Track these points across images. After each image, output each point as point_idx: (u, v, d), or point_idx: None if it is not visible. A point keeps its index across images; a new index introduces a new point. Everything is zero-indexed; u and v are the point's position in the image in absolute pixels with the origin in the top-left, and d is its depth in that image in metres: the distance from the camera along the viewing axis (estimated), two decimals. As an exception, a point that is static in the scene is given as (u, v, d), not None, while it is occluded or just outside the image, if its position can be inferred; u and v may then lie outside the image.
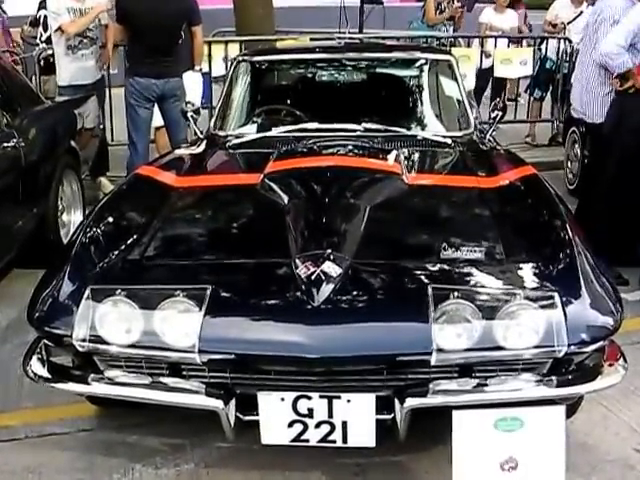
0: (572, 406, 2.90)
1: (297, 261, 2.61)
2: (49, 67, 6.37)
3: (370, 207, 3.01)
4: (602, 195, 4.66)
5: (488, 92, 8.66)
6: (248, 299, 2.56)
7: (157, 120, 6.31)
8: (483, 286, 2.54)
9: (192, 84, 6.37)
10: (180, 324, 2.44)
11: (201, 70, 6.52)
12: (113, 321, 2.49)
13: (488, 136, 4.25)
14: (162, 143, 6.53)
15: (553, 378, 2.48)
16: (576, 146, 6.56)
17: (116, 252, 2.82)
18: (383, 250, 2.78)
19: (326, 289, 2.48)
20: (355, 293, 2.52)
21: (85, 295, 2.56)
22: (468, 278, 2.59)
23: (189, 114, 4.43)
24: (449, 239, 2.80)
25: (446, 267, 2.65)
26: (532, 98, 8.41)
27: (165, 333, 2.45)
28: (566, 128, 7.00)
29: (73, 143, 5.03)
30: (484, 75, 8.33)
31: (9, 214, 4.14)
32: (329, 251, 2.62)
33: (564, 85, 7.85)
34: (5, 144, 4.13)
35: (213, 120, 4.29)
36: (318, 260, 2.58)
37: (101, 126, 5.92)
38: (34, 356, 2.71)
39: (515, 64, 8.03)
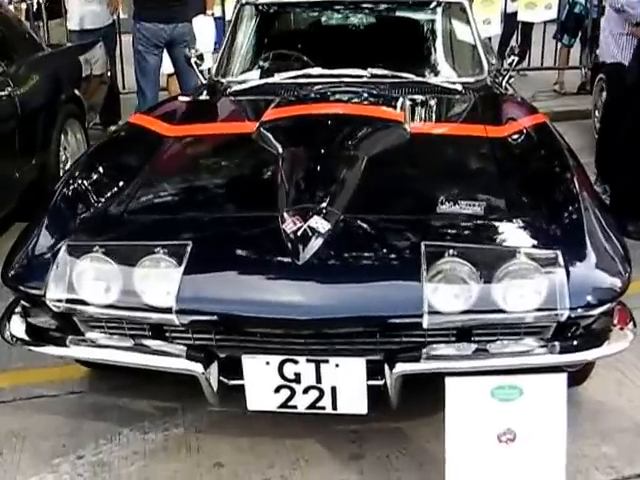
0: (584, 372, 2.73)
1: (285, 215, 2.44)
2: (57, 11, 6.20)
3: (367, 158, 2.82)
4: (621, 146, 4.41)
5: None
6: (230, 256, 2.40)
7: (168, 67, 6.13)
8: (481, 243, 2.34)
9: (203, 29, 6.17)
10: (159, 283, 2.30)
11: (213, 14, 6.31)
12: (90, 279, 2.35)
13: (504, 83, 4.02)
14: (174, 90, 6.36)
15: (556, 343, 2.29)
16: (604, 94, 6.26)
17: (97, 205, 2.68)
18: (377, 204, 2.59)
19: (312, 246, 2.32)
20: (343, 250, 2.35)
21: (61, 251, 2.42)
22: (465, 235, 2.40)
23: (192, 60, 4.24)
24: (448, 192, 2.59)
25: (443, 222, 2.46)
26: (560, 44, 8.07)
27: (144, 292, 2.30)
28: (594, 75, 6.69)
29: (77, 91, 4.87)
30: (510, 20, 8.01)
31: (5, 164, 4.01)
32: (319, 205, 2.45)
33: (593, 31, 7.49)
34: (-1, 93, 3.98)
35: (215, 66, 4.11)
36: (306, 214, 2.41)
37: (109, 73, 5.73)
38: (13, 316, 2.59)
39: (540, 8, 7.70)
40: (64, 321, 2.52)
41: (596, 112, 6.49)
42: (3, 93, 4.03)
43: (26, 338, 2.53)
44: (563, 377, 2.20)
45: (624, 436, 2.68)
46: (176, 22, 5.71)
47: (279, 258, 2.33)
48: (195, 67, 4.22)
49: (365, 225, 2.45)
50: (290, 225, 2.38)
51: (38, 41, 4.97)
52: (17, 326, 2.56)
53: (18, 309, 2.60)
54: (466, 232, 2.41)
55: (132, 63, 6.14)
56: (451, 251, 2.25)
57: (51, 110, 4.48)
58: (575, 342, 2.33)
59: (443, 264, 2.24)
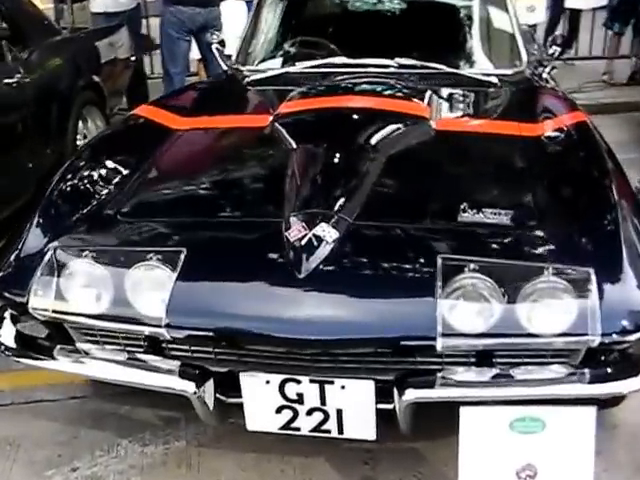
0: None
1: (290, 220, 2.24)
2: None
3: (386, 157, 2.61)
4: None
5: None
6: (226, 266, 2.20)
7: (197, 52, 5.97)
8: (506, 258, 2.11)
9: (234, 13, 5.98)
10: (149, 293, 2.13)
11: (244, -3, 6.11)
12: (78, 287, 2.19)
13: (545, 74, 3.76)
14: (204, 76, 6.19)
15: (586, 371, 2.06)
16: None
17: (90, 206, 2.51)
18: (392, 210, 2.37)
19: (316, 257, 2.11)
20: (350, 263, 2.15)
21: (47, 255, 2.26)
22: (488, 247, 2.16)
23: (214, 46, 4.05)
24: (472, 199, 2.35)
25: (464, 233, 2.24)
26: (610, 32, 7.69)
27: (135, 303, 2.13)
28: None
29: (95, 77, 4.70)
30: (556, 7, 7.67)
31: (16, 154, 3.87)
32: (328, 210, 2.25)
33: (646, 18, 7.15)
34: (7, 80, 3.83)
35: (235, 54, 3.91)
36: (313, 221, 2.21)
37: (134, 57, 5.56)
38: (4, 321, 2.43)
39: (589, -8, 7.33)
40: (55, 329, 2.36)
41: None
42: (12, 80, 3.89)
43: (13, 346, 2.37)
44: (592, 411, 1.97)
45: (662, 468, 2.45)
46: (211, 5, 5.53)
47: (279, 269, 2.13)
48: (217, 53, 4.04)
49: (377, 234, 2.25)
50: (294, 232, 2.18)
51: (54, 25, 4.82)
52: (7, 333, 2.41)
53: (8, 313, 2.44)
54: (489, 244, 2.19)
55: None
56: (471, 265, 2.04)
57: (67, 97, 4.33)
58: (608, 370, 2.08)
59: (462, 280, 2.03)
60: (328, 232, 2.17)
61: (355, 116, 2.87)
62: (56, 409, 2.83)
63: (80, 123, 4.55)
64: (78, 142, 4.51)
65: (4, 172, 3.83)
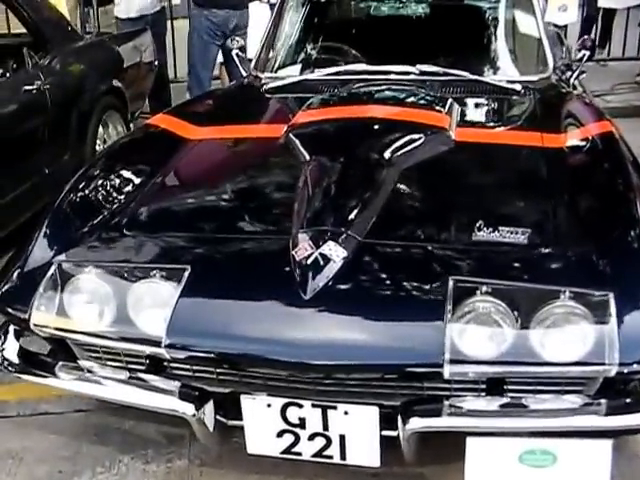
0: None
1: (298, 238, 2.15)
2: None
3: (401, 172, 2.51)
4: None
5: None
6: (230, 284, 2.12)
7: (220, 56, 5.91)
8: (520, 280, 2.00)
9: (259, 17, 5.91)
10: (151, 312, 2.06)
11: (269, 1, 6.03)
12: (80, 303, 2.13)
13: (572, 80, 3.62)
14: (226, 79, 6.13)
15: (603, 402, 1.93)
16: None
17: (98, 218, 2.44)
18: (404, 228, 2.28)
19: (322, 277, 2.03)
20: (357, 284, 2.05)
21: (50, 271, 2.20)
22: (503, 269, 2.05)
23: (234, 52, 3.99)
24: (489, 216, 2.24)
25: (478, 253, 2.13)
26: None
27: (136, 321, 2.07)
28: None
29: (116, 82, 4.66)
30: (592, 6, 7.46)
31: (33, 160, 3.85)
32: (338, 227, 2.16)
33: (683, 18, 6.95)
34: (27, 87, 3.82)
35: (254, 60, 3.83)
36: (321, 239, 2.12)
37: (156, 62, 5.52)
38: (8, 336, 2.38)
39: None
40: (58, 345, 2.31)
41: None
42: (32, 87, 3.86)
43: (16, 362, 2.32)
44: (607, 444, 1.86)
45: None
46: (243, 8, 5.47)
47: (284, 289, 2.04)
48: (236, 59, 3.97)
49: (387, 253, 2.16)
50: (301, 250, 2.09)
51: (76, 31, 4.79)
52: (10, 348, 2.35)
53: (11, 328, 2.39)
54: (504, 265, 2.08)
55: (184, 51, 5.91)
56: (484, 288, 1.94)
57: (87, 103, 4.29)
58: (627, 401, 1.96)
59: (473, 303, 1.93)
60: (335, 251, 2.08)
61: (370, 127, 2.78)
62: (61, 422, 2.78)
63: (100, 128, 4.52)
64: (98, 147, 4.48)
65: (20, 178, 3.80)
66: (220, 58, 5.94)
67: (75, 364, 2.28)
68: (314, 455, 2.11)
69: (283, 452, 2.12)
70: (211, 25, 5.45)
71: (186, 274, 2.09)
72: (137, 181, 2.66)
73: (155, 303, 2.07)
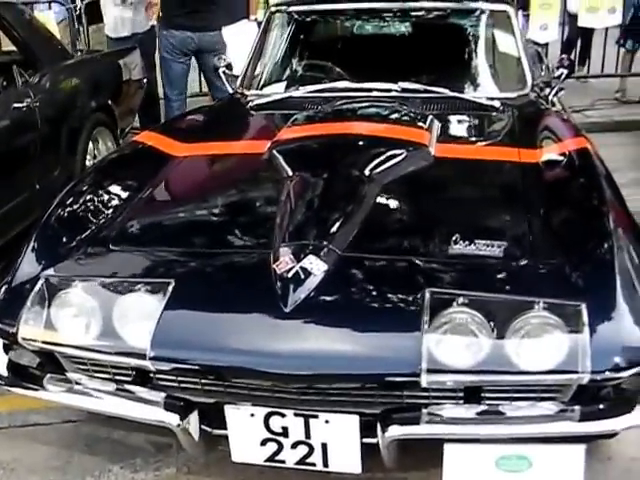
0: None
1: (280, 252, 2.22)
2: (98, 16, 6.12)
3: (381, 187, 2.59)
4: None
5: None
6: (212, 298, 2.19)
7: None
8: (495, 292, 2.07)
9: (247, 34, 5.97)
10: (137, 324, 2.12)
11: (256, 19, 6.10)
12: (67, 317, 2.19)
13: (551, 97, 3.71)
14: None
15: (577, 408, 1.99)
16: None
17: (85, 233, 2.50)
18: (383, 241, 2.35)
19: (302, 290, 2.09)
20: (337, 296, 2.12)
21: (37, 285, 2.26)
22: (479, 281, 2.12)
23: (220, 70, 4.06)
24: (465, 230, 2.32)
25: (454, 266, 2.20)
26: (623, 50, 7.61)
27: (122, 334, 2.13)
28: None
29: (107, 100, 4.74)
30: (574, 25, 7.57)
31: (23, 175, 3.91)
32: (318, 241, 2.23)
33: (660, 36, 7.05)
34: (17, 105, 3.88)
35: (240, 78, 3.91)
36: (301, 253, 2.19)
37: (145, 79, 5.60)
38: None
39: (602, 12, 7.14)
40: (47, 358, 2.36)
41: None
42: (22, 105, 3.92)
43: (5, 375, 2.37)
44: (580, 449, 1.94)
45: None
46: (205, 30, 5.51)
47: (266, 302, 2.10)
48: (223, 77, 4.04)
49: (366, 266, 2.22)
50: (282, 264, 2.16)
51: (66, 49, 4.86)
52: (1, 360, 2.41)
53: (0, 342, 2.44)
54: (479, 277, 2.15)
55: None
56: (460, 299, 2.01)
57: (77, 120, 4.36)
58: (600, 407, 2.03)
59: (450, 314, 2.00)
60: (316, 264, 2.15)
61: (352, 143, 2.85)
62: (51, 433, 2.83)
63: (90, 144, 4.58)
64: (88, 162, 4.54)
65: (11, 193, 3.85)
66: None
67: (63, 376, 2.33)
68: (297, 463, 2.16)
69: (267, 460, 2.18)
70: (168, 45, 5.56)
71: (170, 288, 2.16)
72: (123, 197, 2.73)
73: (140, 316, 2.13)
